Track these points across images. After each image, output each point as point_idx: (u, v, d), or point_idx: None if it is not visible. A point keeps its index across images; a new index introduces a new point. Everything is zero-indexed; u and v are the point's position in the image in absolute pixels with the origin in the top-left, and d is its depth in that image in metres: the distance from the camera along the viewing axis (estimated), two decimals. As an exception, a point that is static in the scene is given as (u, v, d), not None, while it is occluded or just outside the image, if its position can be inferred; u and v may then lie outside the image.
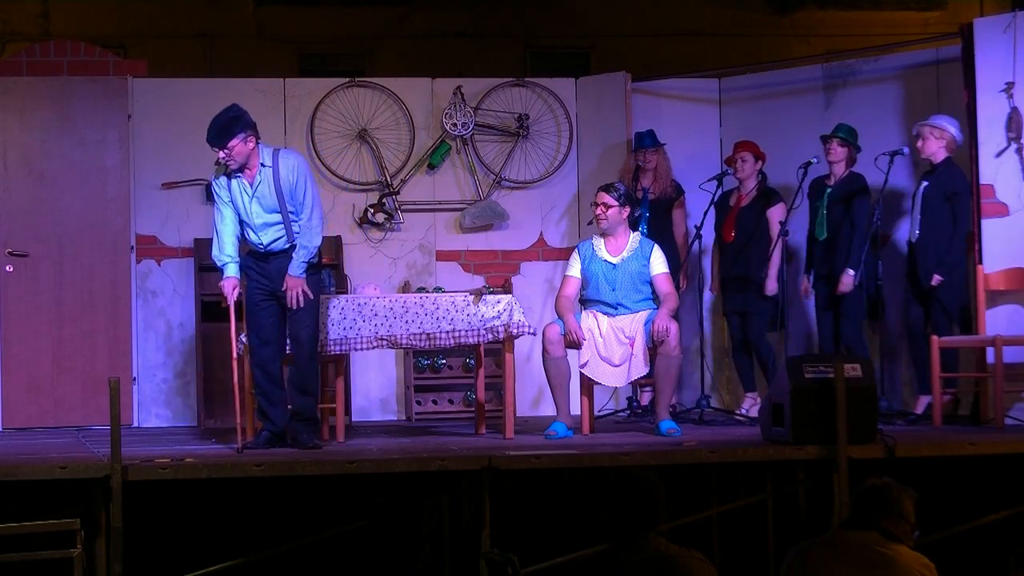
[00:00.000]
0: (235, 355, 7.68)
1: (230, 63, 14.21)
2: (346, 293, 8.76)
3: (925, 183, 8.69)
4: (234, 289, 7.59)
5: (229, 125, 7.39)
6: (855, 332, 8.88)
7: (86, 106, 9.80)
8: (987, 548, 7.03)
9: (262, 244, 7.56)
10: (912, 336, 8.83)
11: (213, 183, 7.68)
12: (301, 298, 7.46)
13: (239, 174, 7.50)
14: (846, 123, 9.08)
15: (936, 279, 8.54)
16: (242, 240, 7.63)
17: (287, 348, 7.71)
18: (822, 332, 9.07)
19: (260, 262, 7.58)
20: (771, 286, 9.06)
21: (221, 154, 7.42)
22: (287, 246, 7.55)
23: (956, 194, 8.62)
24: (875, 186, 8.84)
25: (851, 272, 8.68)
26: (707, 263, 9.74)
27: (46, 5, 14.74)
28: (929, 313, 8.70)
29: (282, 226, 7.54)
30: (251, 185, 7.50)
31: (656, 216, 9.45)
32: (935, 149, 8.70)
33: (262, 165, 7.50)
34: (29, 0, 14.64)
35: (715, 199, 9.26)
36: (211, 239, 9.85)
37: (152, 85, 10.03)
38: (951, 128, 8.69)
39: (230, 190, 7.54)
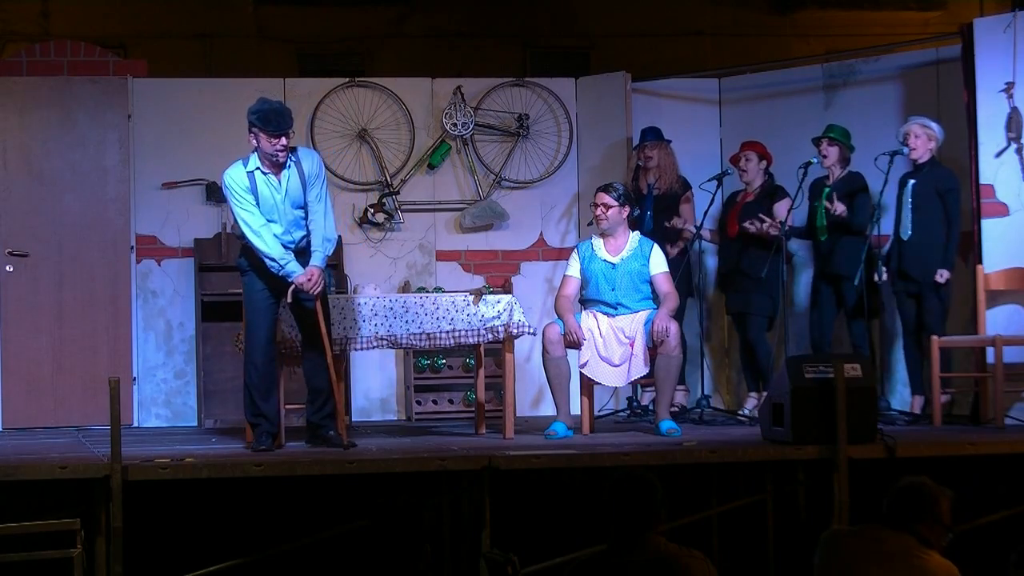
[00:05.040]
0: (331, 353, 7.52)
1: (230, 63, 14.20)
2: (346, 293, 8.76)
3: (913, 181, 8.68)
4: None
5: (288, 115, 7.28)
6: (862, 332, 8.88)
7: (86, 106, 9.80)
8: (987, 548, 7.02)
9: (292, 242, 7.40)
10: (904, 335, 8.83)
11: (228, 179, 7.28)
12: (319, 289, 7.37)
13: (268, 171, 7.31)
14: (839, 123, 9.09)
15: (943, 275, 8.51)
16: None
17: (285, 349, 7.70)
18: (823, 332, 9.06)
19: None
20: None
21: (281, 142, 7.20)
22: (304, 244, 7.46)
23: (949, 191, 8.62)
24: (875, 186, 8.84)
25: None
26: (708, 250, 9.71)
27: (46, 5, 14.73)
28: (921, 311, 8.69)
29: (304, 222, 7.44)
30: (279, 181, 7.34)
31: (662, 212, 9.44)
32: (925, 150, 8.70)
33: (290, 161, 7.38)
34: (29, 0, 14.64)
35: (714, 198, 9.23)
36: (215, 238, 9.89)
37: (152, 85, 10.03)
38: (938, 129, 8.71)
39: (254, 187, 7.29)
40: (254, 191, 7.30)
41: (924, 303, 8.65)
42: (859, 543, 4.86)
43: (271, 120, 7.21)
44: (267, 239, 7.28)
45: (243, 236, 7.42)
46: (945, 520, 4.87)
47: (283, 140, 7.23)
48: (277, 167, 7.32)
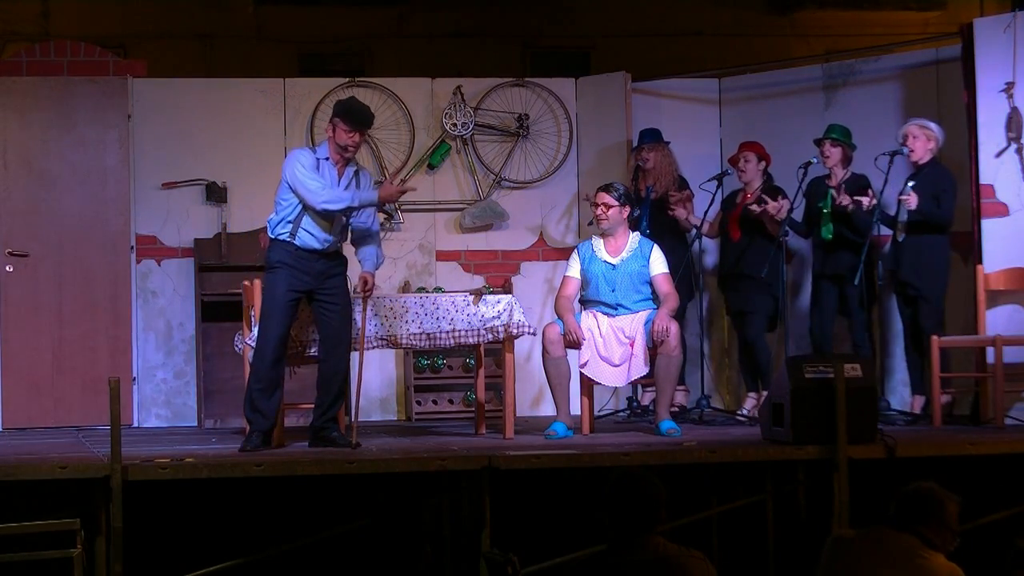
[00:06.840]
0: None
1: (230, 63, 14.19)
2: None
3: (911, 183, 8.68)
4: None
5: (369, 118, 7.64)
6: (861, 332, 8.88)
7: (86, 106, 9.80)
8: (987, 548, 7.02)
9: (329, 241, 7.56)
10: (903, 335, 8.83)
11: (297, 156, 7.53)
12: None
13: (334, 165, 7.56)
14: (838, 123, 9.08)
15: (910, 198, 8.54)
16: (290, 236, 7.51)
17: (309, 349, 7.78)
18: (824, 331, 9.05)
19: (306, 260, 7.51)
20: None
21: (354, 138, 7.50)
22: (338, 248, 7.65)
23: (943, 192, 8.62)
24: (876, 187, 8.84)
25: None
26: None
27: (46, 5, 14.72)
28: (917, 313, 8.68)
29: (346, 230, 7.67)
30: (340, 178, 7.57)
31: (660, 214, 9.44)
32: (925, 151, 8.70)
33: (354, 168, 7.68)
34: (29, 0, 14.63)
35: (714, 198, 9.23)
36: (215, 238, 9.88)
37: (152, 85, 10.03)
38: (938, 131, 8.71)
39: (319, 170, 7.52)
40: (317, 171, 7.52)
41: (920, 305, 8.65)
42: (863, 545, 4.87)
43: (352, 114, 7.55)
44: (333, 193, 7.45)
45: (293, 210, 7.51)
46: (952, 525, 4.87)
47: (356, 136, 7.52)
48: (342, 163, 7.57)
